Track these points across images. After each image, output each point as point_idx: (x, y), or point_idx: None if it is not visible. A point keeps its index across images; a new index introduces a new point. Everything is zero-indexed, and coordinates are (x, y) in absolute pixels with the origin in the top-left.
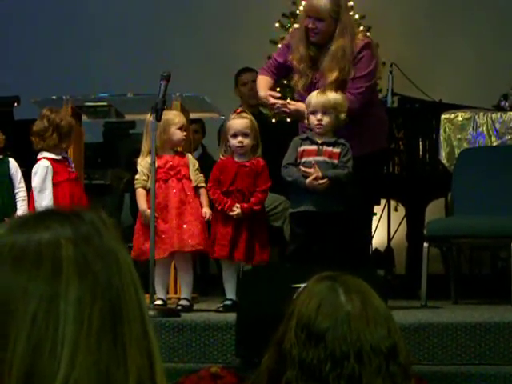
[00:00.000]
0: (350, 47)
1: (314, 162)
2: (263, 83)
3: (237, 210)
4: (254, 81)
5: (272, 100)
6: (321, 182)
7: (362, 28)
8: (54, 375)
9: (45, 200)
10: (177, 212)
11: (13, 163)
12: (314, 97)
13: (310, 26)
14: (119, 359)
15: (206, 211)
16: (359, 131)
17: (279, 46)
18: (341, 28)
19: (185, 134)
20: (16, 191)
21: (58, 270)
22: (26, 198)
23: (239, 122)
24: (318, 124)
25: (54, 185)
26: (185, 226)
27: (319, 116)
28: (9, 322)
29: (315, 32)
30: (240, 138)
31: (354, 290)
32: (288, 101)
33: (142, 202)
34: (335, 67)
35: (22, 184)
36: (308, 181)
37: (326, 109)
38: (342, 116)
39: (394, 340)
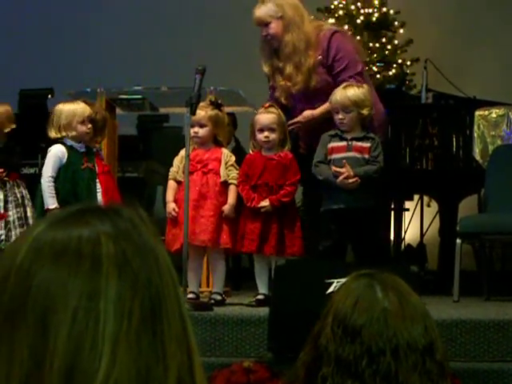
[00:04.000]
0: (299, 39)
1: (344, 160)
2: None
3: (265, 203)
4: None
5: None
6: (352, 180)
7: (346, 25)
8: (94, 372)
9: None
10: (194, 205)
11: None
12: (334, 96)
13: (263, 33)
14: (159, 356)
15: (225, 208)
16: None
17: None
18: (285, 24)
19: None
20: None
21: (98, 266)
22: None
23: (266, 117)
24: (340, 123)
25: None
26: (202, 219)
27: (340, 115)
28: (49, 318)
29: (269, 38)
30: (266, 133)
31: (391, 288)
32: (295, 120)
33: (169, 194)
34: (289, 62)
35: None
36: (339, 180)
37: (345, 107)
38: (365, 111)
39: (431, 337)
